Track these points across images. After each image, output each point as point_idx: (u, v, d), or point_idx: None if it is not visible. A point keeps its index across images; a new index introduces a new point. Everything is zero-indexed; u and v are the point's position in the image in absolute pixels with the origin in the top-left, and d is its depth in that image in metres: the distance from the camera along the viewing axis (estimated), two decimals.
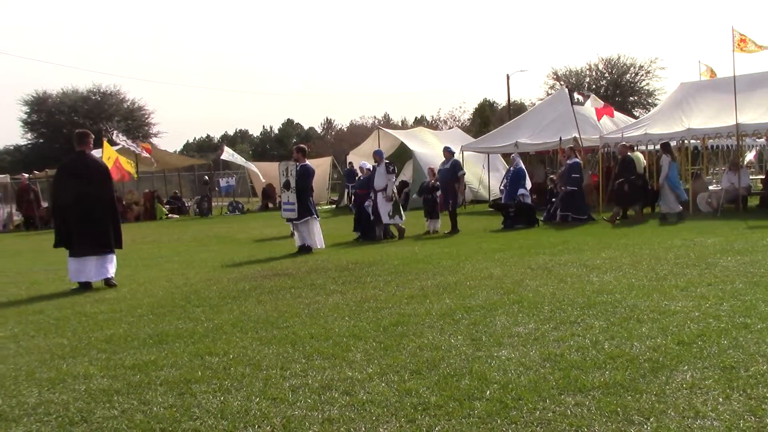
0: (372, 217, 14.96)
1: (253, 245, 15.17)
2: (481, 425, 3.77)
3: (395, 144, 30.65)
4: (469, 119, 65.11)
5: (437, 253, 11.58)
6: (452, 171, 16.14)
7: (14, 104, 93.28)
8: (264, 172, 33.44)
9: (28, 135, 64.47)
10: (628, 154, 17.21)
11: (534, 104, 53.13)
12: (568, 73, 60.95)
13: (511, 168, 17.99)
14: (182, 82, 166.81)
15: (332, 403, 4.22)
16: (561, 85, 48.30)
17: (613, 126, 23.12)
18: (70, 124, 60.85)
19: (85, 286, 9.41)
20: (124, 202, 29.51)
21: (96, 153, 29.28)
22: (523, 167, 17.98)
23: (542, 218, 17.28)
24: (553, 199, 18.02)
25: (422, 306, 6.97)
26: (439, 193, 16.50)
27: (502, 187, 19.27)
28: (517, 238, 13.74)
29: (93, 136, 9.89)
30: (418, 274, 9.20)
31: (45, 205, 29.13)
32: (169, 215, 30.46)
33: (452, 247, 12.53)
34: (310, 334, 5.99)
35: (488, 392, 4.23)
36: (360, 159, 30.96)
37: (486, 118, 60.93)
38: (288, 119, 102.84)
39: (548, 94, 51.01)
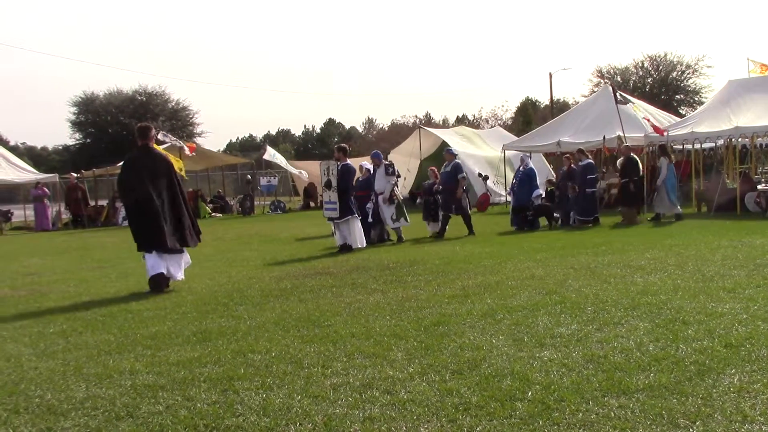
0: (371, 219, 14.29)
1: (294, 244, 15.27)
2: (522, 426, 3.75)
3: (436, 143, 30.59)
4: (511, 118, 64.71)
5: (478, 252, 11.53)
6: (453, 174, 15.35)
7: (63, 105, 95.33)
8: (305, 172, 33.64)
9: (76, 135, 65.96)
10: (631, 155, 17.12)
11: (577, 103, 52.54)
12: (612, 71, 60.20)
13: (521, 168, 17.17)
14: (225, 82, 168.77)
15: (373, 401, 4.23)
16: (605, 83, 47.62)
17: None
18: (117, 125, 62.13)
19: (158, 284, 9.00)
20: None
21: None
22: (533, 167, 17.33)
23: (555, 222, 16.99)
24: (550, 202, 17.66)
25: (463, 306, 6.95)
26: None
27: (509, 189, 18.55)
28: (560, 238, 13.61)
29: (155, 130, 9.62)
30: (459, 273, 9.17)
31: (92, 203, 29.75)
32: (213, 214, 30.82)
33: (493, 246, 12.47)
34: (351, 333, 6.02)
35: (530, 393, 4.20)
36: (401, 158, 31.08)
37: (528, 117, 60.44)
38: (329, 118, 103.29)
39: (592, 93, 50.40)
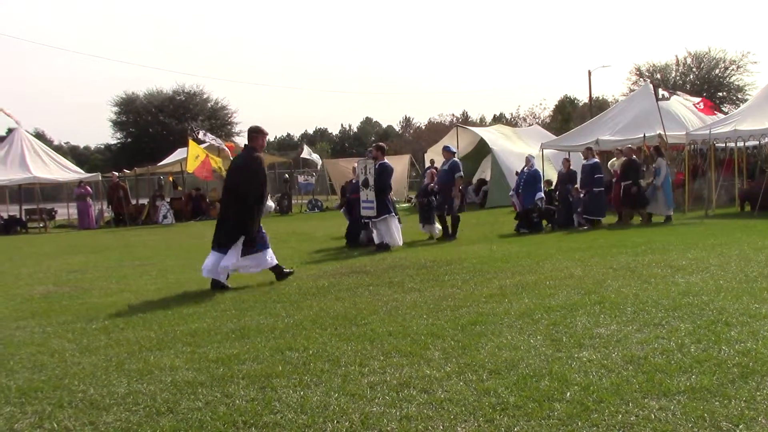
0: (362, 221, 13.84)
1: (331, 242, 15.32)
2: (561, 427, 3.72)
3: (474, 141, 30.49)
4: (549, 116, 64.16)
5: (516, 252, 11.46)
6: (450, 173, 14.74)
7: (105, 105, 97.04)
8: (340, 170, 33.72)
9: (118, 134, 67.06)
10: (633, 157, 16.89)
11: (617, 100, 51.89)
12: (652, 68, 59.34)
13: (525, 170, 16.77)
14: (263, 82, 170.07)
15: (410, 400, 4.23)
16: (645, 80, 46.88)
17: (700, 122, 22.39)
18: (157, 124, 63.00)
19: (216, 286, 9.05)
20: (207, 199, 30.33)
21: (182, 152, 30.46)
22: (538, 169, 16.86)
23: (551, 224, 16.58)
24: (556, 204, 17.23)
25: (501, 305, 6.91)
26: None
27: (513, 191, 17.87)
28: (598, 237, 13.46)
29: (263, 133, 9.66)
30: (497, 272, 9.13)
31: (133, 202, 30.20)
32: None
33: (531, 246, 12.38)
34: (388, 332, 6.02)
35: (568, 394, 4.16)
36: (438, 157, 31.00)
37: (566, 115, 59.92)
38: (366, 117, 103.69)
39: (631, 90, 49.74)
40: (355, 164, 15.98)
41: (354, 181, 14.92)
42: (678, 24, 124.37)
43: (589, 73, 51.06)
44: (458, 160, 15.31)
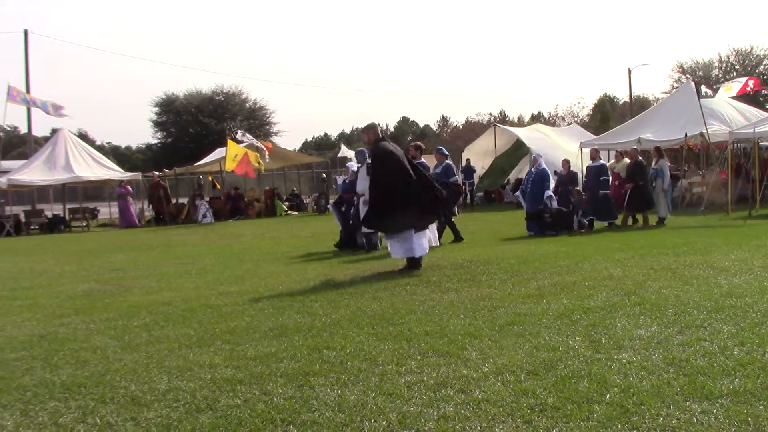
0: (351, 222, 13.55)
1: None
2: (600, 429, 3.68)
3: (511, 140, 30.33)
4: (588, 115, 63.52)
5: (554, 252, 11.36)
6: (444, 176, 14.13)
7: (146, 106, 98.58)
8: None
9: (158, 134, 67.99)
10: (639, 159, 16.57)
11: (657, 99, 51.16)
12: (694, 65, 58.41)
13: (533, 169, 16.21)
14: (301, 82, 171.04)
15: (447, 400, 4.22)
16: (687, 78, 46.19)
17: (744, 120, 21.96)
18: (197, 124, 63.74)
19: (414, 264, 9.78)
20: (246, 199, 30.61)
21: (221, 152, 30.77)
22: (546, 168, 16.25)
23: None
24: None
25: (539, 306, 6.86)
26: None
27: (519, 192, 17.26)
28: (638, 238, 13.28)
29: (376, 129, 10.34)
30: (535, 273, 9.06)
31: (174, 201, 30.61)
32: (288, 212, 31.27)
33: (569, 246, 12.27)
34: (425, 331, 6.02)
35: (608, 396, 4.12)
36: (476, 156, 30.92)
37: (606, 114, 59.26)
38: (403, 117, 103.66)
39: (673, 88, 48.99)
40: (349, 163, 15.50)
41: (346, 180, 14.45)
42: (721, 20, 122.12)
43: (629, 71, 50.39)
44: (451, 162, 15.01)
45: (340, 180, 34.84)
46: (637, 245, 11.75)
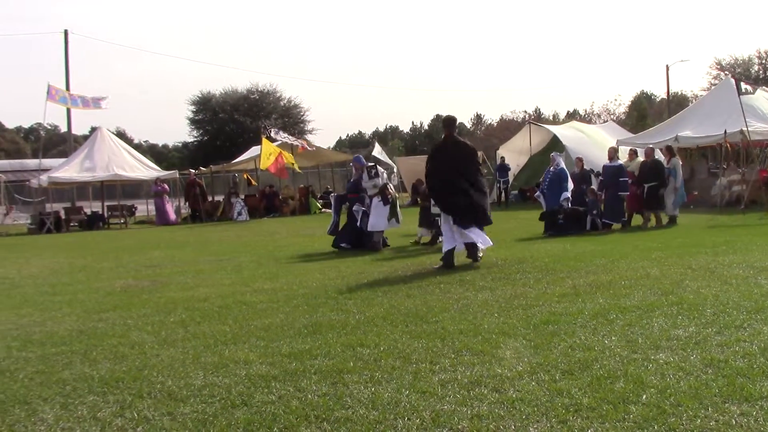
0: (359, 224, 13.57)
1: (402, 240, 15.31)
2: (636, 430, 3.64)
3: (546, 138, 30.08)
4: (624, 112, 62.75)
5: (590, 251, 11.25)
6: None
7: (182, 104, 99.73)
8: (411, 167, 33.70)
9: (194, 133, 68.64)
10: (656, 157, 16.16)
11: (696, 96, 50.38)
12: (733, 62, 57.38)
13: (551, 168, 15.89)
14: (335, 80, 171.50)
15: (481, 399, 4.21)
16: (726, 75, 45.37)
17: None
18: (232, 122, 64.28)
19: (448, 260, 10.04)
20: (280, 197, 30.81)
21: (256, 150, 31.05)
22: (565, 167, 15.91)
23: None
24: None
25: (574, 305, 6.80)
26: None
27: (539, 192, 16.69)
28: (676, 237, 13.09)
29: (456, 124, 10.82)
30: (570, 272, 8.98)
31: (210, 199, 30.91)
32: (323, 209, 31.39)
33: (606, 245, 12.13)
34: (459, 330, 6.00)
35: (644, 396, 4.07)
36: (510, 154, 30.73)
37: (643, 111, 58.49)
38: (437, 114, 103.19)
39: (712, 85, 48.20)
40: (351, 163, 15.29)
41: (351, 180, 14.41)
42: (760, 16, 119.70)
43: (667, 67, 49.72)
44: None
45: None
46: (674, 244, 11.58)
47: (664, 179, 15.76)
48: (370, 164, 14.10)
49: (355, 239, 13.64)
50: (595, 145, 28.22)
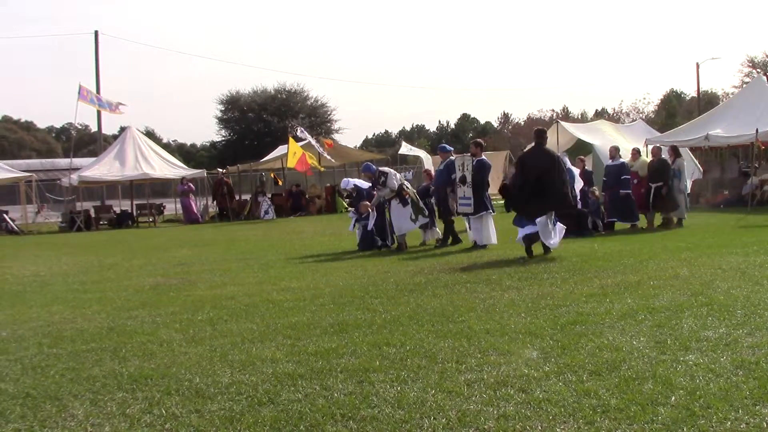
0: (370, 227, 13.53)
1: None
2: None
3: (574, 138, 29.84)
4: (653, 111, 62.11)
5: (618, 250, 11.15)
6: (447, 174, 13.66)
7: (210, 104, 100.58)
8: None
9: (223, 132, 69.14)
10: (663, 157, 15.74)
11: (727, 94, 49.72)
12: (766, 59, 56.46)
13: None
14: (361, 79, 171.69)
15: (508, 399, 4.19)
16: (758, 72, 44.71)
17: None
18: (260, 122, 64.65)
19: (530, 242, 10.97)
20: (307, 195, 30.92)
21: (283, 149, 31.20)
22: (572, 167, 15.70)
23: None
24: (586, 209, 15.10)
25: (602, 305, 6.74)
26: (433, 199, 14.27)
27: None
28: (705, 237, 12.92)
29: (546, 136, 12.00)
30: (598, 272, 8.91)
31: (237, 198, 31.11)
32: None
33: (634, 244, 12.02)
34: (485, 329, 5.98)
35: (673, 398, 4.03)
36: None
37: (672, 110, 57.89)
38: (464, 114, 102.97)
39: (744, 83, 47.52)
40: (347, 180, 15.49)
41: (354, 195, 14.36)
42: None
43: (698, 65, 49.10)
44: (455, 159, 14.06)
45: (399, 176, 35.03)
46: (704, 244, 11.44)
47: (667, 179, 15.30)
48: (381, 169, 13.95)
49: (369, 241, 13.65)
50: (620, 143, 27.93)
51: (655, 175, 15.49)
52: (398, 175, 14.10)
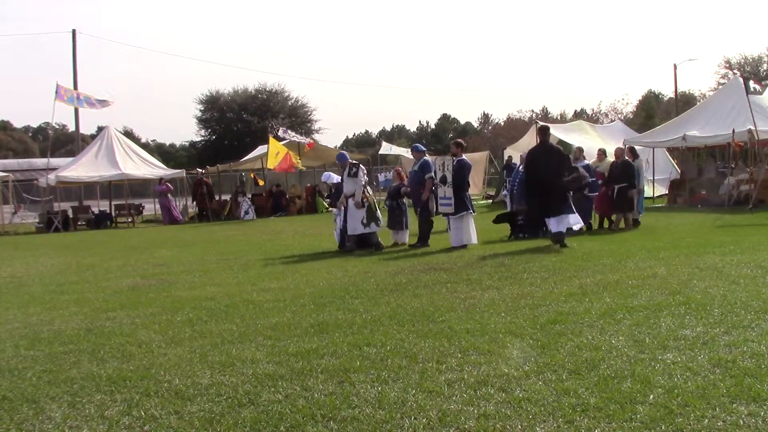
0: (342, 226, 13.61)
1: (410, 238, 15.34)
2: (644, 430, 3.63)
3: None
4: (632, 112, 62.55)
5: (597, 250, 11.22)
6: (421, 174, 13.58)
7: (190, 104, 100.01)
8: None
9: (202, 132, 68.72)
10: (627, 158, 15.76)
11: (704, 95, 50.25)
12: (743, 60, 57.11)
13: (521, 168, 15.33)
14: (342, 80, 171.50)
15: (488, 398, 4.20)
16: (734, 74, 45.18)
17: None
18: (240, 122, 64.34)
19: (559, 239, 11.76)
20: (287, 196, 30.84)
21: (262, 149, 31.08)
22: (588, 162, 15.37)
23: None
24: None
25: (581, 304, 6.79)
26: (405, 199, 14.29)
27: (506, 192, 16.16)
28: (683, 236, 13.04)
29: (549, 132, 13.26)
30: (577, 271, 8.97)
31: (216, 198, 30.96)
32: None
33: (613, 244, 12.10)
34: (465, 329, 6.00)
35: (651, 396, 4.06)
36: (518, 154, 30.63)
37: (651, 111, 58.33)
38: (444, 114, 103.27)
39: (720, 84, 48.04)
40: (326, 174, 15.49)
41: (333, 191, 14.41)
42: None
43: (675, 66, 49.54)
44: (429, 159, 14.00)
45: (381, 177, 35.11)
46: (682, 244, 11.55)
47: (634, 181, 15.25)
48: (352, 162, 13.96)
49: (341, 240, 13.67)
50: (596, 144, 28.15)
51: (620, 176, 15.27)
52: (366, 177, 13.89)
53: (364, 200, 13.36)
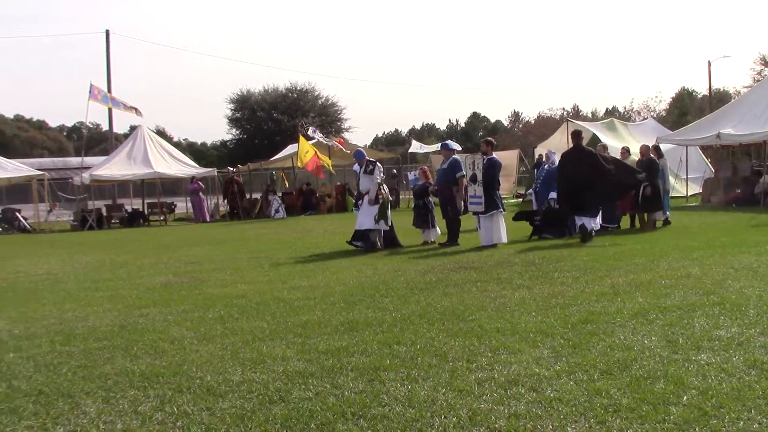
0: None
1: (437, 238, 15.30)
2: None
3: (586, 136, 29.73)
4: (665, 110, 61.73)
5: (629, 250, 11.11)
6: (450, 172, 13.49)
7: (221, 103, 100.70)
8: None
9: (233, 131, 69.13)
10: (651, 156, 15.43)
11: (739, 92, 49.45)
12: None
13: (546, 166, 15.43)
14: (372, 78, 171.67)
15: (518, 398, 4.18)
16: None
17: None
18: (271, 121, 64.62)
19: (585, 234, 12.53)
20: (317, 194, 30.94)
21: (292, 147, 31.19)
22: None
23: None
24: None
25: (613, 304, 6.72)
26: (432, 198, 14.20)
27: (532, 190, 16.02)
28: (717, 236, 12.85)
29: (582, 135, 13.45)
30: (609, 270, 8.88)
31: (247, 196, 31.17)
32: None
33: (645, 244, 11.97)
34: (496, 328, 5.98)
35: (685, 398, 4.01)
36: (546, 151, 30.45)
37: (684, 108, 57.54)
38: (474, 112, 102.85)
39: (756, 81, 47.20)
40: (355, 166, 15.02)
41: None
42: None
43: (709, 63, 48.89)
44: (458, 157, 13.90)
45: (411, 176, 35.07)
46: (716, 243, 11.38)
47: (653, 179, 14.83)
48: (369, 159, 13.95)
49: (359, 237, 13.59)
50: (626, 142, 27.84)
51: (647, 175, 15.06)
52: (382, 174, 13.87)
53: (380, 197, 13.34)
